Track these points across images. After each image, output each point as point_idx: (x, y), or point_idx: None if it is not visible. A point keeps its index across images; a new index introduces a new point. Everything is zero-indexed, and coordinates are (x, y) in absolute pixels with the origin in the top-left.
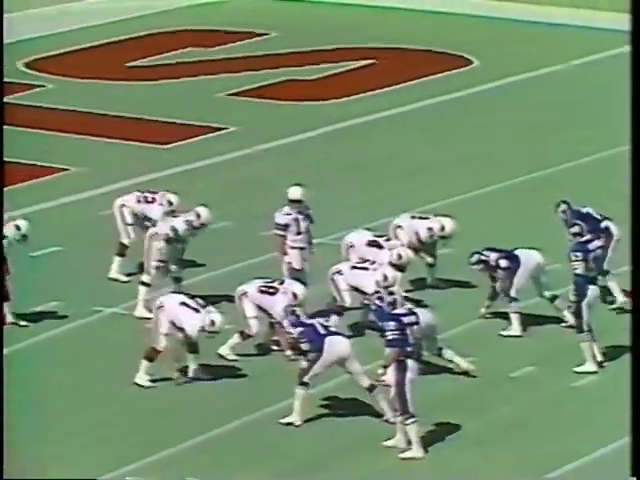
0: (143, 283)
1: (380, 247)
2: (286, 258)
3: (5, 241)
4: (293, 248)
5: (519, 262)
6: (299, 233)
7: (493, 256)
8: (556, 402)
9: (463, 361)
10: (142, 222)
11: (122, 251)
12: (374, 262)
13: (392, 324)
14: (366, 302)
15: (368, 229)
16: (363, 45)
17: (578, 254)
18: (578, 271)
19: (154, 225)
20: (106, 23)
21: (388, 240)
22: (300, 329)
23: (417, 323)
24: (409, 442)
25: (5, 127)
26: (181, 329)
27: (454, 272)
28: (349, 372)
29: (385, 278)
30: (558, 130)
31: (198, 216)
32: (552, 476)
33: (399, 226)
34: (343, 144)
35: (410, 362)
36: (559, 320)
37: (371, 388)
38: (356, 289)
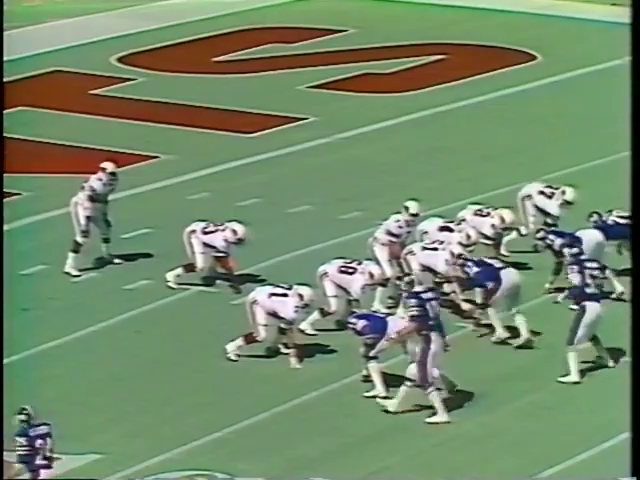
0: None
1: (451, 231)
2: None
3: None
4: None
5: (581, 244)
6: (403, 245)
7: (558, 242)
8: (613, 375)
9: (527, 332)
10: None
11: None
12: (442, 242)
13: (413, 301)
14: (437, 281)
15: (440, 216)
16: (435, 41)
17: (574, 267)
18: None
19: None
20: (193, 21)
21: (458, 224)
22: (363, 322)
23: (436, 299)
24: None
25: (97, 117)
26: (280, 318)
27: (519, 253)
28: (407, 351)
29: (453, 255)
30: (613, 121)
31: (234, 232)
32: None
33: (463, 219)
34: (416, 133)
35: (434, 336)
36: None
37: None
38: (428, 268)
